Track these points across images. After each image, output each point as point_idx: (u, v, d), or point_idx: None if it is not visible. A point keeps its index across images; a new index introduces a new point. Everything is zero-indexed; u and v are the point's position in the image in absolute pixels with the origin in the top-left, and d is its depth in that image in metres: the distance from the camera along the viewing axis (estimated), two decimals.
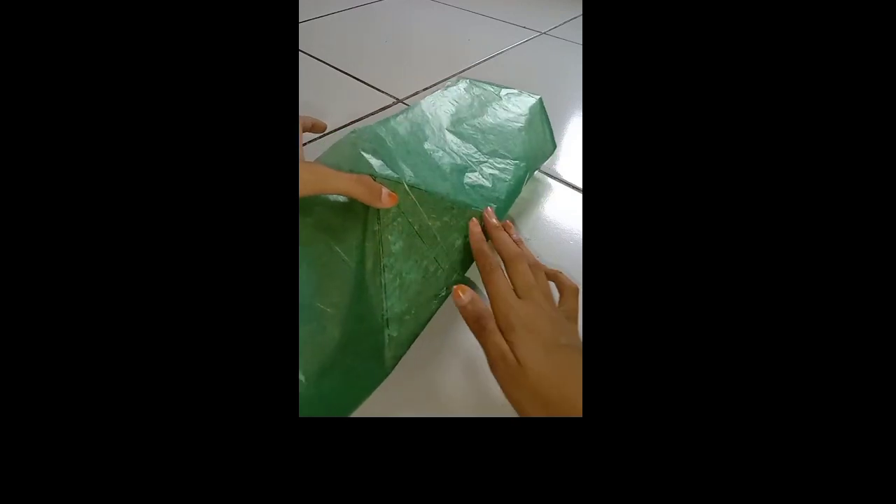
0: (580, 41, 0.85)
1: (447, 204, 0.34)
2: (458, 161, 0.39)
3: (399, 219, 0.32)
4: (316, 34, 0.84)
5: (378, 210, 0.32)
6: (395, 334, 0.31)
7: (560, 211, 0.48)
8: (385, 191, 0.31)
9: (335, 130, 0.59)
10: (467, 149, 0.41)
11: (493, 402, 0.32)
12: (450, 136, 0.41)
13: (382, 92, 0.68)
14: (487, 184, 0.39)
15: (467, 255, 0.35)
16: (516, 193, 0.41)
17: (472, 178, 0.38)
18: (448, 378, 0.34)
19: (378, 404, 0.32)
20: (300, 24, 0.86)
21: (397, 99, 0.66)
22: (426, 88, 0.69)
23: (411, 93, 0.67)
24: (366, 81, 0.70)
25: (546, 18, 0.95)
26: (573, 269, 0.42)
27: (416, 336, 0.32)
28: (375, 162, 0.33)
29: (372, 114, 0.62)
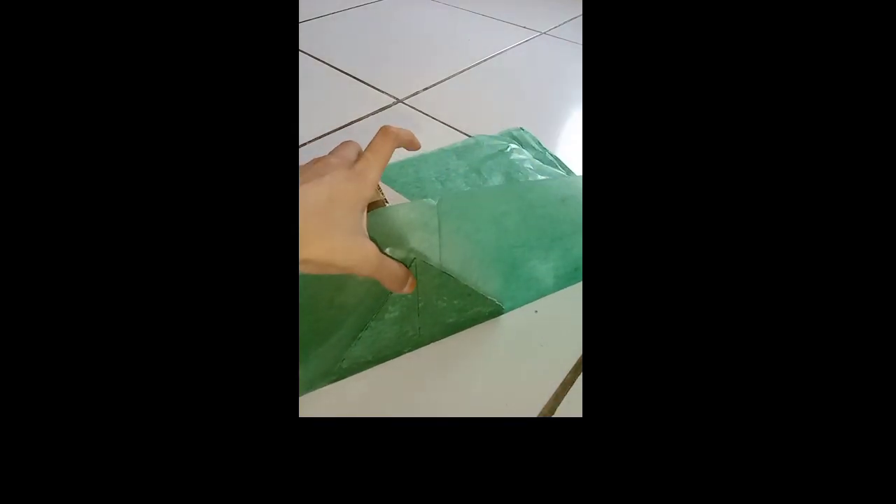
0: (580, 41, 0.85)
1: (467, 291, 0.34)
2: (508, 254, 0.38)
3: (410, 294, 0.32)
4: (316, 34, 0.84)
5: None
6: (345, 366, 0.33)
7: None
8: (410, 281, 0.30)
9: (335, 130, 0.59)
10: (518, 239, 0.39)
11: (493, 402, 0.32)
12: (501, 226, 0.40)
13: (382, 92, 0.68)
14: (536, 281, 0.38)
15: (453, 329, 0.36)
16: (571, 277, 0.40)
17: (521, 273, 0.38)
18: (448, 378, 0.33)
19: (378, 404, 0.32)
20: (300, 24, 0.86)
21: (397, 99, 0.66)
22: (426, 88, 0.69)
23: (411, 93, 0.67)
24: (366, 81, 0.70)
25: (546, 18, 0.95)
26: None
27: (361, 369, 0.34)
28: (420, 241, 0.32)
29: (372, 113, 0.62)
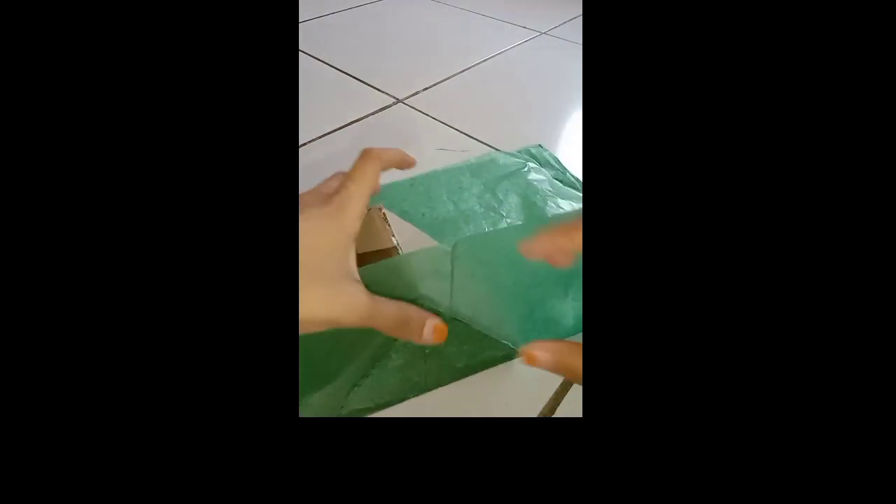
0: (580, 41, 0.85)
1: (479, 335, 0.32)
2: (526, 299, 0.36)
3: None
4: (316, 34, 0.84)
5: None
6: (343, 414, 0.31)
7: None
8: (428, 327, 0.26)
9: (335, 130, 0.59)
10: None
11: (493, 402, 0.32)
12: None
13: (382, 92, 0.68)
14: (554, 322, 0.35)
15: (463, 374, 0.33)
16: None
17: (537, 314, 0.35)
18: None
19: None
20: (300, 24, 0.86)
21: (397, 99, 0.66)
22: (426, 88, 0.69)
23: (411, 93, 0.67)
24: (366, 81, 0.70)
25: (546, 18, 0.95)
26: None
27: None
28: (430, 287, 0.29)
29: (372, 113, 0.62)
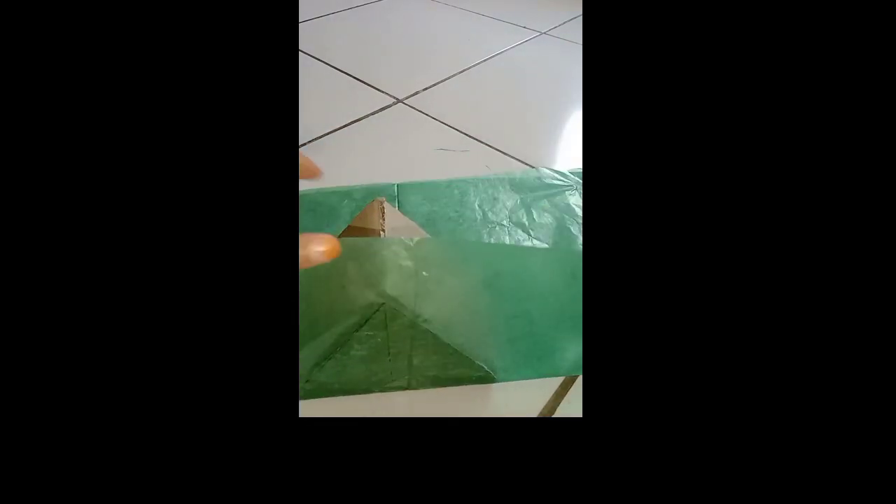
0: (580, 41, 0.85)
1: (448, 350, 0.31)
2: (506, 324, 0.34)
3: (378, 338, 0.30)
4: (316, 34, 0.84)
5: (365, 309, 0.29)
6: (308, 388, 0.31)
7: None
8: (317, 248, 0.24)
9: (335, 130, 0.59)
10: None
11: (493, 401, 0.32)
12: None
13: (382, 92, 0.68)
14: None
15: (436, 383, 0.33)
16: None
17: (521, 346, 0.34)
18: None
19: (377, 405, 0.32)
20: (300, 24, 0.86)
21: (397, 99, 0.66)
22: (426, 88, 0.69)
23: (411, 93, 0.67)
24: (366, 81, 0.70)
25: (546, 18, 0.95)
26: None
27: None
28: (394, 286, 0.29)
29: (372, 113, 0.62)
